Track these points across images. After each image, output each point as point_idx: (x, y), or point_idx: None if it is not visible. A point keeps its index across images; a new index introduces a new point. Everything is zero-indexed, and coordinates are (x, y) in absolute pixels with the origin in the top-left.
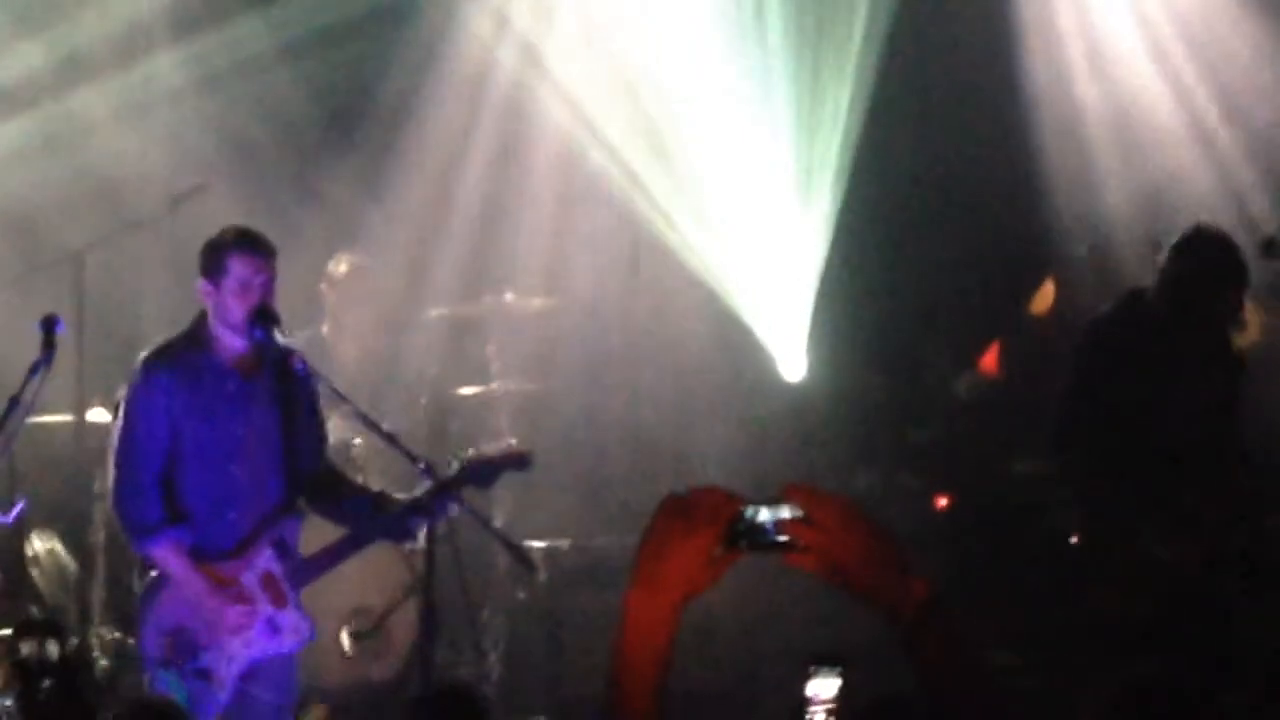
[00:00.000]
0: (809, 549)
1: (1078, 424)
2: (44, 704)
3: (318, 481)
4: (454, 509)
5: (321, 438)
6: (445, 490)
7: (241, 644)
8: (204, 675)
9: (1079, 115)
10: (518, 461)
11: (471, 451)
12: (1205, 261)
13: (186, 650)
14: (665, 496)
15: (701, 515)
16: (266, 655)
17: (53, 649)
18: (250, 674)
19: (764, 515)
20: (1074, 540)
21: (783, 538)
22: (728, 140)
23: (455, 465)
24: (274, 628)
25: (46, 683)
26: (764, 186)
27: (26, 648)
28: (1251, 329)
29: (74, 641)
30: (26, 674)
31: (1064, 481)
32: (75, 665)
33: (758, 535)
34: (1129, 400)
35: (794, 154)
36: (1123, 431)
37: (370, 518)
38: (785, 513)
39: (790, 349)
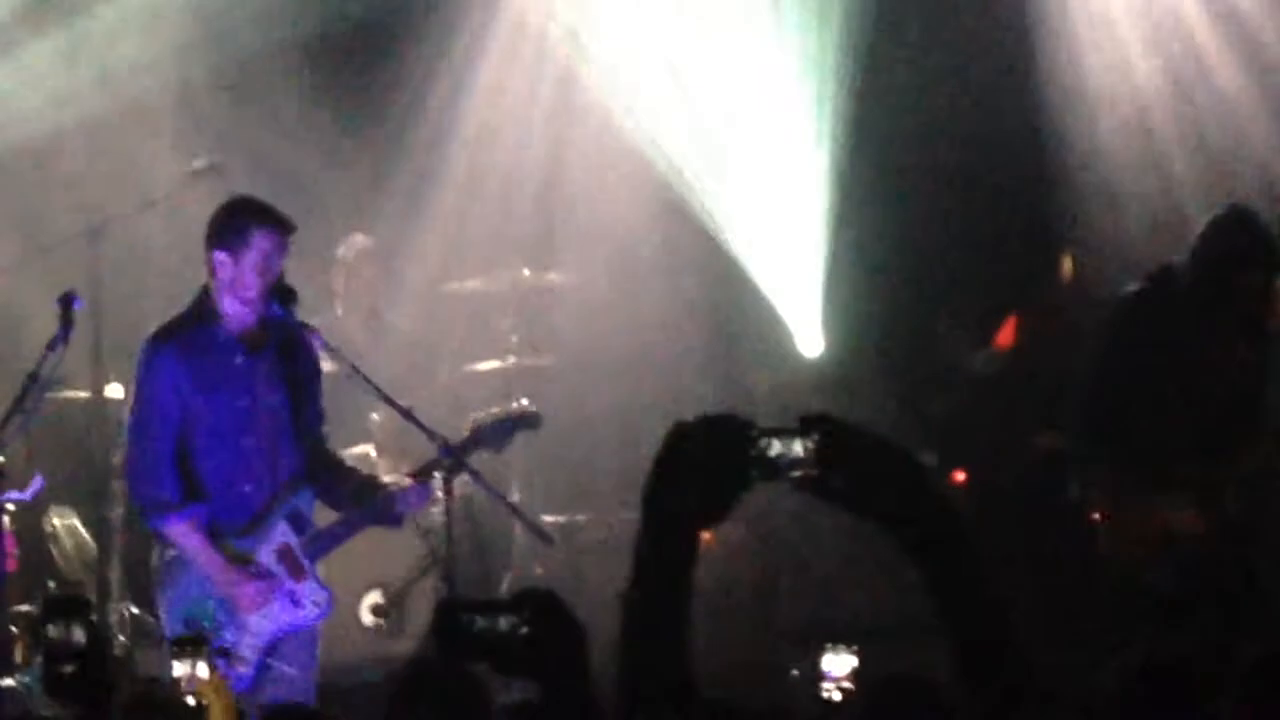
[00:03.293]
0: (823, 479)
1: (1104, 400)
2: (68, 685)
3: (315, 461)
4: (431, 496)
5: (320, 415)
6: (462, 452)
7: (261, 619)
8: (225, 654)
9: (1096, 87)
10: (528, 420)
11: (482, 414)
12: (1234, 244)
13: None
14: (673, 424)
15: (715, 444)
16: (288, 629)
17: (78, 632)
18: (272, 648)
19: (778, 447)
20: (1096, 516)
21: (797, 472)
22: (745, 116)
23: (466, 431)
24: (294, 601)
25: (70, 667)
26: (780, 160)
27: (54, 630)
28: None
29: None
30: (52, 656)
31: (1088, 457)
32: (100, 648)
33: (772, 466)
34: (1155, 378)
35: (809, 125)
36: (1148, 409)
37: (356, 503)
38: (798, 446)
39: (807, 324)
